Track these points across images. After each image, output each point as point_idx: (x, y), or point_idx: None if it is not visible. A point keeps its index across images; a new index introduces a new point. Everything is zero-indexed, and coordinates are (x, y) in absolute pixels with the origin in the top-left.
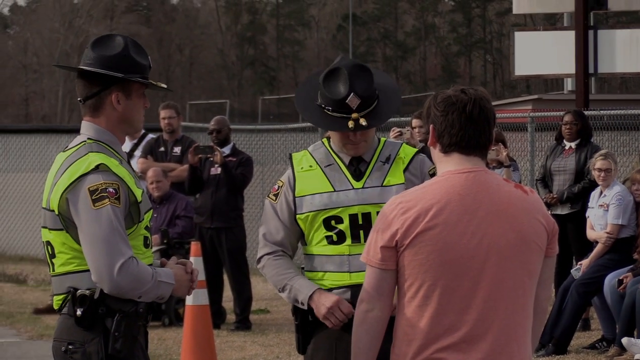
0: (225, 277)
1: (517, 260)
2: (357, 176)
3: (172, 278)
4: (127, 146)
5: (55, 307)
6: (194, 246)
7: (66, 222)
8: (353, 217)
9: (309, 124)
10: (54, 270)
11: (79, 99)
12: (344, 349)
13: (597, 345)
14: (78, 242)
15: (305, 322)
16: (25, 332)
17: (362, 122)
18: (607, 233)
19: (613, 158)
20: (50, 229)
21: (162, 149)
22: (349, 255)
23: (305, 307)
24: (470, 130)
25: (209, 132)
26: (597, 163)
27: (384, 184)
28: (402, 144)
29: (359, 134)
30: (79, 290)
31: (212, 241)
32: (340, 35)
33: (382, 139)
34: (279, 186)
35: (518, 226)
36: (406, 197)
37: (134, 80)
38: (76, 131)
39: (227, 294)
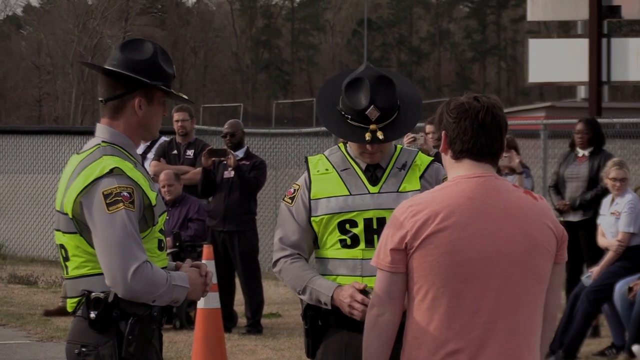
0: (237, 281)
1: (527, 264)
2: (374, 181)
3: (187, 282)
4: (140, 148)
5: (69, 309)
6: (206, 249)
7: (80, 226)
8: (368, 222)
9: (322, 128)
10: (67, 273)
11: (100, 99)
12: (354, 354)
13: (606, 352)
14: (92, 246)
15: (315, 326)
16: (35, 333)
17: (380, 135)
18: (619, 241)
19: (627, 167)
20: (64, 232)
21: (175, 151)
22: (362, 259)
23: (330, 307)
24: (482, 138)
25: (222, 136)
26: (611, 172)
27: (400, 190)
28: (418, 152)
29: (375, 145)
30: (93, 293)
31: (224, 244)
32: (355, 40)
33: (399, 147)
34: (295, 189)
35: (528, 230)
36: (416, 201)
37: (160, 88)
38: (89, 133)
39: (239, 298)
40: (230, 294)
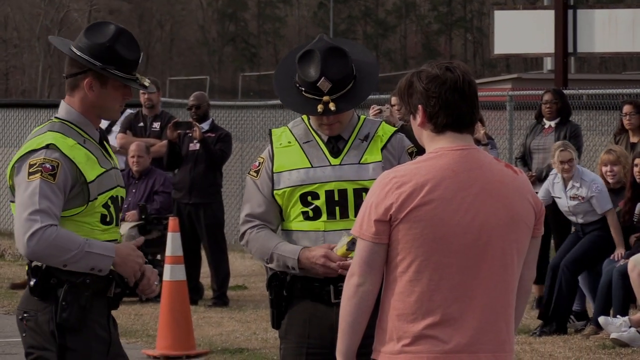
0: (203, 253)
1: (508, 239)
2: (335, 153)
3: (112, 252)
4: (103, 123)
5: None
6: (172, 222)
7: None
8: (329, 194)
9: None
10: None
11: (63, 74)
12: (318, 323)
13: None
14: None
15: (280, 296)
16: (2, 306)
17: (332, 106)
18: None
19: (572, 147)
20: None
21: (142, 124)
22: (324, 231)
23: (297, 271)
24: (464, 108)
25: (188, 108)
26: (557, 155)
27: (361, 162)
28: (381, 122)
29: (331, 116)
30: (33, 262)
31: (190, 217)
32: (322, 13)
33: (362, 117)
34: (259, 162)
35: (510, 205)
36: (400, 172)
37: (102, 71)
38: (55, 106)
39: (205, 270)
40: (196, 266)
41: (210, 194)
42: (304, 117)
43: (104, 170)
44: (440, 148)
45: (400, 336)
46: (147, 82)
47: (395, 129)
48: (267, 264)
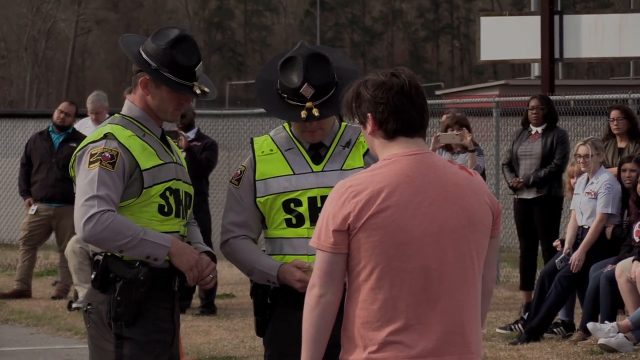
0: None
1: (467, 240)
2: (317, 160)
3: (168, 242)
4: (91, 129)
5: None
6: None
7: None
8: (312, 200)
9: None
10: None
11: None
12: (301, 331)
13: (555, 330)
14: None
15: (264, 304)
16: None
17: (315, 112)
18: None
19: (594, 144)
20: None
21: None
22: (307, 238)
23: (278, 286)
24: (413, 112)
25: None
26: (577, 149)
27: (343, 168)
28: None
29: (314, 122)
30: (96, 256)
31: None
32: (308, 21)
33: (344, 124)
34: (241, 171)
35: (467, 207)
36: (355, 181)
37: (161, 75)
38: (43, 116)
39: None
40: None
41: (197, 202)
42: (286, 124)
43: (162, 162)
44: (393, 154)
45: (366, 344)
46: (199, 90)
47: None
48: (248, 276)
